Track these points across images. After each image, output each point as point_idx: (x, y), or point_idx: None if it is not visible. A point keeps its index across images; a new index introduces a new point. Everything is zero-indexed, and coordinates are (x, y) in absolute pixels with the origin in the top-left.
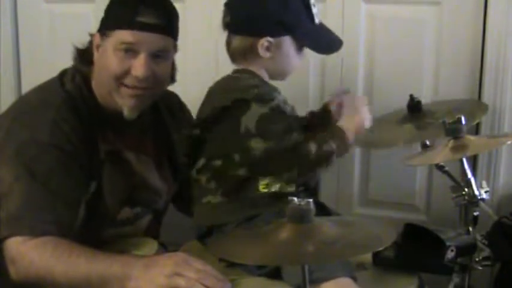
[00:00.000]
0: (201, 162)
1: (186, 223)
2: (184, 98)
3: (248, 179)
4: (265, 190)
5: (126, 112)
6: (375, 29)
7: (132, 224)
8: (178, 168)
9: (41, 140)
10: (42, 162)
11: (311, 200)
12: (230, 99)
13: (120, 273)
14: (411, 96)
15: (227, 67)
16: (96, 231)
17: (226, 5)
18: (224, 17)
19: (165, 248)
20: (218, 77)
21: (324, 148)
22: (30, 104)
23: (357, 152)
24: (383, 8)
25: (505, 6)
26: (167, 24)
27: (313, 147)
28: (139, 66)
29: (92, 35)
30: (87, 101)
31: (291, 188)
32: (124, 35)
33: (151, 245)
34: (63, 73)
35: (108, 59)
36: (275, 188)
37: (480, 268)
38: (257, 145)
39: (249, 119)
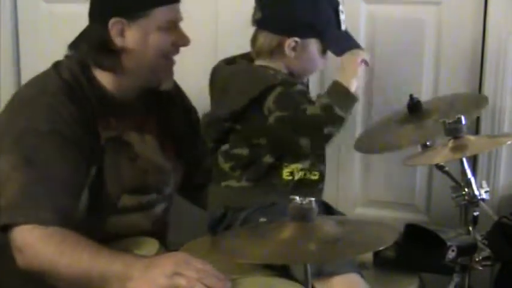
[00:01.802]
0: (224, 149)
1: (187, 223)
2: None
3: (273, 165)
4: (289, 178)
5: (167, 84)
6: (375, 29)
7: (142, 211)
8: (181, 147)
9: (39, 126)
10: (40, 150)
11: (313, 199)
12: (258, 89)
13: (121, 272)
14: (411, 96)
15: None
16: (100, 219)
17: (258, 1)
18: (255, 13)
19: (166, 248)
20: None
21: (321, 103)
22: (27, 94)
23: (356, 152)
24: (383, 8)
25: (505, 6)
26: None
27: (311, 108)
28: (184, 37)
29: (97, 24)
30: (84, 89)
31: (315, 176)
32: (166, 13)
33: (153, 245)
34: (58, 64)
35: (154, 39)
36: (298, 175)
37: (480, 268)
38: (275, 118)
39: (270, 99)
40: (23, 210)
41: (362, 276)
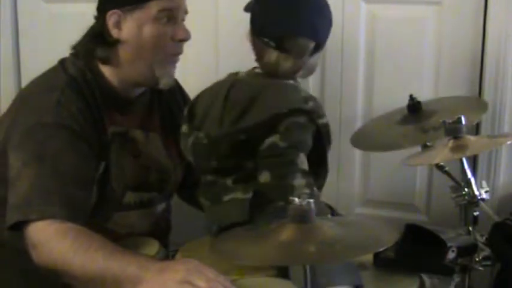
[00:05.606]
0: (231, 163)
1: (187, 223)
2: None
3: None
4: None
5: (165, 82)
6: (375, 29)
7: (143, 209)
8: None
9: (47, 122)
10: (50, 145)
11: (312, 200)
12: (287, 107)
13: (135, 275)
14: (411, 96)
15: (227, 66)
16: (104, 216)
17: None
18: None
19: (166, 248)
20: (218, 76)
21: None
22: (34, 90)
23: (357, 152)
24: (383, 8)
25: (505, 6)
26: None
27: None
28: (183, 30)
29: (98, 17)
30: (91, 84)
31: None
32: (161, 4)
33: (153, 245)
34: (63, 60)
35: (149, 31)
36: None
37: (480, 268)
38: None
39: (286, 122)
40: (36, 206)
41: (361, 287)
